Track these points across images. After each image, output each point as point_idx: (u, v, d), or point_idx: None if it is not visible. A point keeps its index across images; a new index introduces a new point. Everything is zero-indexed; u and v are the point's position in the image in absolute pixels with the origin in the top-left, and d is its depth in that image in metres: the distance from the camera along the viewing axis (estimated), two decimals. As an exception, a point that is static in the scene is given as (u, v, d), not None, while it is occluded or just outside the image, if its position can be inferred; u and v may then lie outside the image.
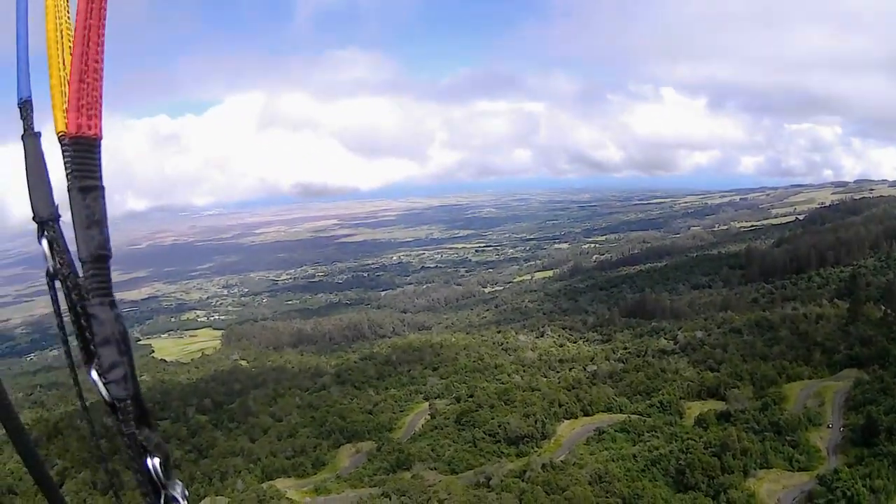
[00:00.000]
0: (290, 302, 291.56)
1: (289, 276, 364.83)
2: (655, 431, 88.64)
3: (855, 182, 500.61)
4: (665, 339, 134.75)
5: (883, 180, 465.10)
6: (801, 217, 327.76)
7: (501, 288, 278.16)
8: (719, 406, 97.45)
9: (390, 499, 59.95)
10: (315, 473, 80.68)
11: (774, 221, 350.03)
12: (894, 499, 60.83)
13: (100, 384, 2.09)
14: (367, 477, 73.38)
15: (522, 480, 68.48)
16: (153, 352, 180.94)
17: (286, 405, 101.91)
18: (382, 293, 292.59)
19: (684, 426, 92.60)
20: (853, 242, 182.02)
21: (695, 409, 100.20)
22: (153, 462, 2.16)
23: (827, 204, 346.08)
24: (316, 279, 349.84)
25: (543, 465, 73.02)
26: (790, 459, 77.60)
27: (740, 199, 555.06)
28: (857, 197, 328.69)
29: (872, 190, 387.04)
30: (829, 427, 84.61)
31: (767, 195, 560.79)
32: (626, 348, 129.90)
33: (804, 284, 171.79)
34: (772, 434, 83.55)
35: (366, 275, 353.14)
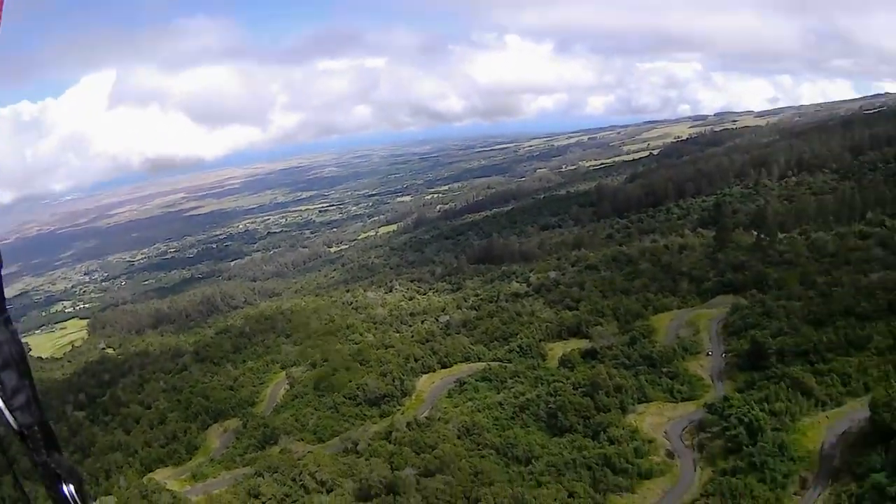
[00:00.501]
0: (147, 282, 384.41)
1: (144, 256, 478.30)
2: (519, 377, 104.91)
3: (715, 115, 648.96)
4: (517, 282, 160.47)
5: (747, 111, 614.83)
6: (655, 152, 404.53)
7: (347, 246, 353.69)
8: (583, 344, 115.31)
9: (262, 477, 77.99)
10: (190, 459, 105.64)
11: (626, 158, 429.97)
12: (800, 420, 75.76)
13: (6, 412, 2.65)
14: (238, 457, 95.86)
15: (390, 442, 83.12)
16: (30, 350, 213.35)
17: (152, 391, 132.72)
18: (232, 263, 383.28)
19: (549, 368, 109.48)
20: (715, 173, 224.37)
21: (557, 349, 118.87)
22: (69, 489, 2.88)
23: (684, 138, 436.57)
24: (169, 256, 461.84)
25: (408, 424, 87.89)
26: (671, 391, 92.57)
27: (588, 139, 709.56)
28: (717, 129, 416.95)
29: (735, 122, 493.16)
30: (708, 355, 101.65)
31: (618, 133, 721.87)
32: (477, 295, 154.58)
33: (662, 217, 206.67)
34: (646, 367, 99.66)
35: (215, 246, 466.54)
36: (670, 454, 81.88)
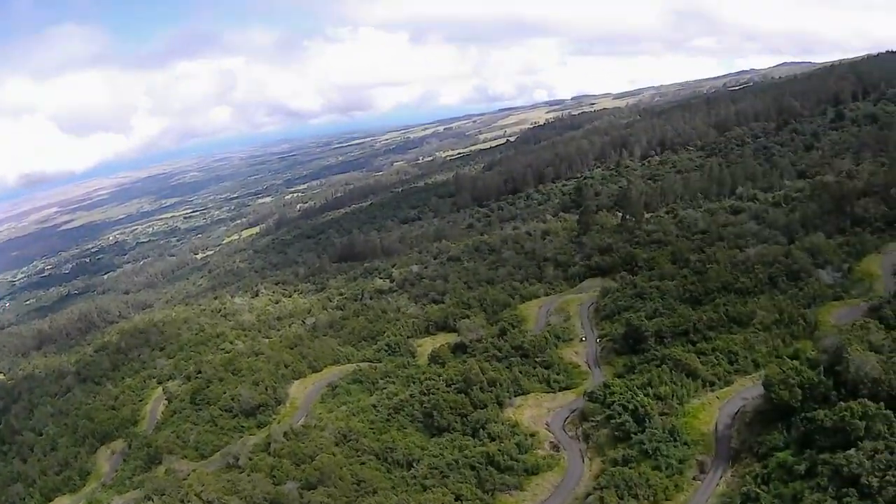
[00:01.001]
0: (28, 302, 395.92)
1: (24, 275, 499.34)
2: (390, 377, 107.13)
3: (573, 99, 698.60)
4: (380, 278, 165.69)
5: (605, 94, 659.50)
6: (512, 139, 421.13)
7: (212, 252, 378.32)
8: (452, 339, 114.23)
9: (152, 501, 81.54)
10: (84, 485, 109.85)
11: (484, 147, 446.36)
12: (689, 403, 74.27)
13: None
14: (127, 480, 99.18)
15: (269, 454, 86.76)
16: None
17: (41, 416, 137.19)
18: (105, 276, 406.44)
19: (419, 366, 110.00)
20: (575, 156, 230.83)
21: (426, 345, 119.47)
22: None
23: (541, 123, 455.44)
24: (46, 273, 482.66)
25: (286, 434, 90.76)
26: (547, 381, 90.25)
27: (444, 129, 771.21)
28: (575, 113, 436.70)
29: (593, 104, 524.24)
30: (582, 340, 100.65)
31: (474, 122, 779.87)
32: (341, 294, 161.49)
33: (523, 203, 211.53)
34: (518, 359, 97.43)
35: (88, 260, 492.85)
36: (555, 447, 79.04)
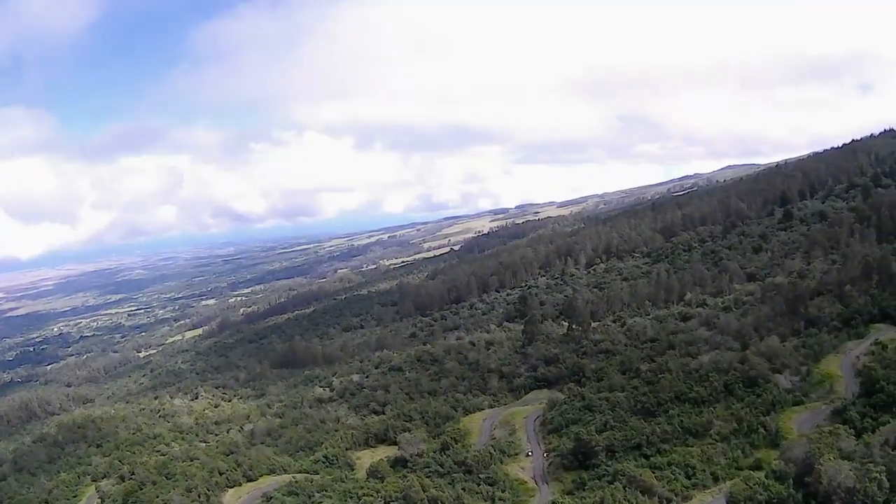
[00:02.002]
0: None
1: None
2: (326, 490, 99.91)
3: (517, 207, 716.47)
4: (320, 386, 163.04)
5: (550, 202, 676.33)
6: (456, 248, 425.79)
7: (155, 351, 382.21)
8: (392, 452, 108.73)
9: None
10: None
11: (427, 255, 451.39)
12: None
13: None
14: None
15: None
16: None
17: None
18: (48, 367, 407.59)
19: (357, 480, 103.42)
20: (519, 265, 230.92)
21: (365, 458, 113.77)
22: None
23: (485, 232, 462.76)
24: None
25: None
26: (492, 499, 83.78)
27: (388, 237, 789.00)
28: (519, 221, 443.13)
29: (538, 213, 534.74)
30: (528, 455, 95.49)
31: (418, 230, 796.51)
32: (281, 401, 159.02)
33: (466, 313, 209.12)
34: (461, 475, 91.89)
35: (32, 349, 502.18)
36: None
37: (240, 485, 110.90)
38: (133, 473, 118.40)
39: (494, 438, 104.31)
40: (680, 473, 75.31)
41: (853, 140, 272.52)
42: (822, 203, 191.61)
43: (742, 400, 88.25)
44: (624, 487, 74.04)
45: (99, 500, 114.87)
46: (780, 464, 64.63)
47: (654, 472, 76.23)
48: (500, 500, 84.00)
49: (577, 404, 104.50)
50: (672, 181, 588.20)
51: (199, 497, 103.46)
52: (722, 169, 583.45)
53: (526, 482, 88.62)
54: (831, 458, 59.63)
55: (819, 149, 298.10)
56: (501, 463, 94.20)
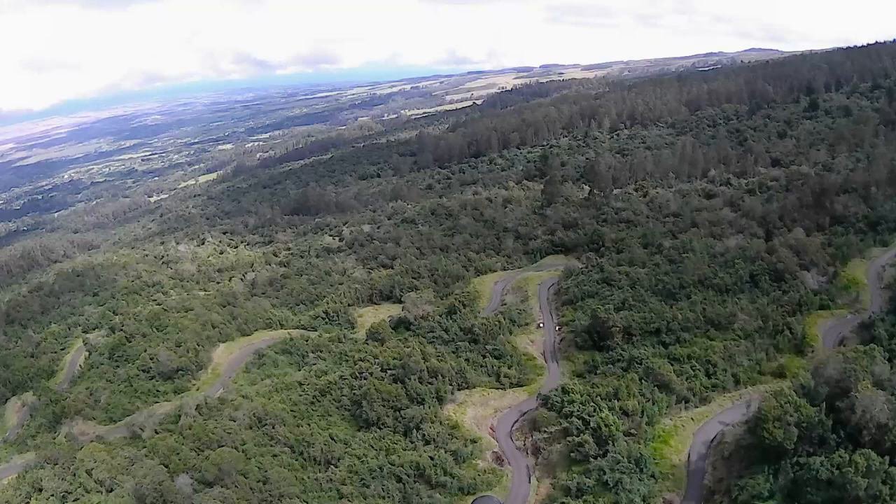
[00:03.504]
0: None
1: None
2: (321, 351, 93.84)
3: (542, 67, 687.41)
4: (330, 235, 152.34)
5: (574, 64, 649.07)
6: (479, 102, 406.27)
7: (167, 196, 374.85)
8: (396, 310, 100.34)
9: (44, 469, 75.14)
10: None
11: (450, 108, 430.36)
12: (659, 422, 61.49)
13: None
14: (29, 438, 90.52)
15: (175, 432, 75.54)
16: None
17: None
18: (56, 214, 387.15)
19: (356, 341, 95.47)
20: (542, 124, 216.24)
21: (367, 316, 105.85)
22: None
23: (509, 88, 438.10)
24: None
25: (198, 407, 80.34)
26: (497, 374, 76.30)
27: (411, 87, 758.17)
28: (543, 80, 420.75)
29: (562, 74, 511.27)
30: (539, 327, 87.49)
31: (441, 83, 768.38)
32: (288, 249, 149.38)
33: (485, 168, 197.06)
34: (467, 344, 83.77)
35: (41, 197, 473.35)
36: (499, 459, 65.63)
37: (233, 339, 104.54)
38: (123, 325, 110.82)
39: (505, 304, 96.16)
40: (700, 370, 67.01)
41: (877, 42, 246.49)
42: (847, 98, 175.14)
43: (768, 294, 78.76)
44: (640, 379, 65.40)
45: (86, 354, 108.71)
46: (809, 378, 54.80)
47: (672, 366, 67.13)
48: (505, 376, 76.08)
49: (594, 276, 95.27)
50: (697, 56, 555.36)
51: (188, 352, 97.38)
52: (746, 50, 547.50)
53: (534, 358, 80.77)
54: (868, 387, 50.34)
55: (843, 45, 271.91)
56: (510, 333, 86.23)
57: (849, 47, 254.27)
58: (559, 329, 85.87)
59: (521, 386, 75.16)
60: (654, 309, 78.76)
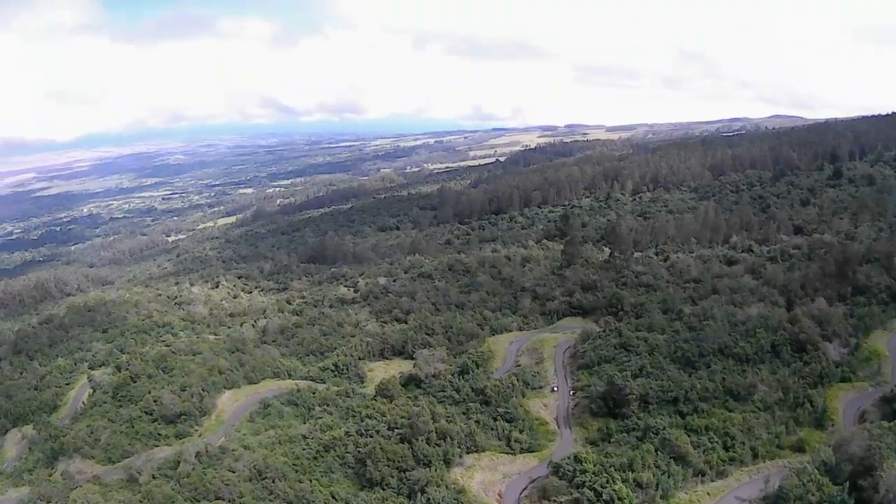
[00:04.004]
0: None
1: None
2: (328, 405, 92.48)
3: (566, 126, 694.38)
4: (345, 286, 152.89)
5: (599, 125, 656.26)
6: (502, 159, 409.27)
7: (185, 236, 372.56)
8: (407, 366, 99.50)
9: None
10: None
11: (473, 163, 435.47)
12: (674, 497, 59.18)
13: None
14: (26, 472, 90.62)
15: (173, 479, 74.33)
16: None
17: None
18: (73, 247, 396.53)
19: (364, 396, 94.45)
20: (564, 183, 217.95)
21: (378, 371, 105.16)
22: None
23: (533, 147, 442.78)
24: (14, 236, 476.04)
25: (198, 454, 78.80)
26: (507, 438, 74.62)
27: (435, 141, 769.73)
28: (567, 140, 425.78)
29: (586, 134, 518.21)
30: (553, 390, 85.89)
31: (465, 138, 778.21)
32: (302, 297, 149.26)
33: (505, 225, 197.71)
34: (478, 405, 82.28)
35: (59, 229, 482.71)
36: (504, 529, 63.47)
37: (239, 386, 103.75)
38: (129, 364, 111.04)
39: (519, 366, 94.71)
40: (717, 443, 64.91)
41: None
42: (871, 167, 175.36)
43: (789, 365, 76.81)
44: (656, 450, 63.55)
45: (90, 391, 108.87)
46: (831, 455, 53.13)
47: (689, 437, 65.42)
48: (516, 441, 74.31)
49: (612, 340, 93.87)
50: (721, 121, 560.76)
51: (192, 397, 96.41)
52: (770, 117, 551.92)
53: (547, 423, 79.14)
54: (893, 465, 49.07)
55: (867, 113, 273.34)
56: (523, 396, 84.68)
57: (874, 116, 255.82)
58: (573, 393, 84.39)
59: (532, 451, 73.23)
60: (672, 377, 77.24)
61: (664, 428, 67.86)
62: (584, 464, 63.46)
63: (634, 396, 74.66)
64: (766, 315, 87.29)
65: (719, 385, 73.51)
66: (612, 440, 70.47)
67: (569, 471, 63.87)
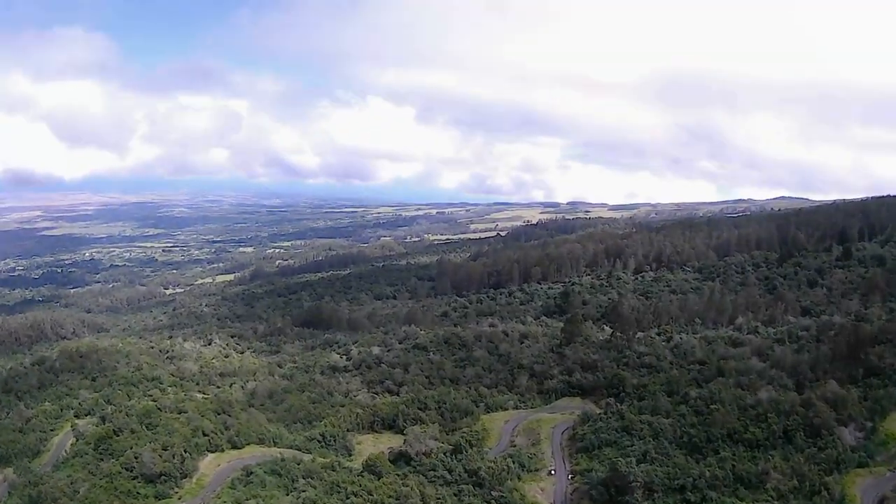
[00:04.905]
0: None
1: None
2: (313, 478, 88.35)
3: (568, 203, 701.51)
4: (337, 353, 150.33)
5: (602, 203, 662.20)
6: (503, 233, 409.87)
7: (182, 290, 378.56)
8: (397, 441, 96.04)
9: None
10: None
11: (473, 236, 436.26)
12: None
13: None
14: None
15: None
16: None
17: None
18: (72, 291, 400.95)
19: (351, 471, 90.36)
20: (565, 259, 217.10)
21: (366, 444, 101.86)
22: None
23: (534, 222, 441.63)
24: (16, 273, 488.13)
25: None
26: (500, 525, 71.38)
27: (437, 212, 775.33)
28: (569, 217, 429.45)
29: (589, 211, 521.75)
30: (551, 474, 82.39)
31: (467, 210, 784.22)
32: (294, 362, 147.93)
33: (504, 300, 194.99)
34: (470, 487, 78.85)
35: (59, 271, 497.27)
36: None
37: (223, 450, 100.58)
38: (113, 417, 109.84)
39: (515, 446, 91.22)
40: (728, 535, 60.75)
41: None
42: (882, 248, 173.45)
43: (802, 451, 73.84)
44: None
45: (73, 440, 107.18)
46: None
47: (698, 528, 61.75)
48: (509, 528, 70.09)
49: (613, 423, 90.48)
50: (726, 202, 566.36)
51: (174, 458, 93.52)
52: (775, 199, 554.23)
53: (543, 510, 74.81)
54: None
55: (876, 194, 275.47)
56: (519, 479, 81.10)
57: (883, 196, 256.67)
58: (572, 478, 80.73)
59: (529, 540, 69.22)
60: (678, 464, 73.90)
61: (671, 520, 64.12)
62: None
63: (638, 484, 71.28)
64: (777, 399, 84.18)
65: (729, 472, 70.29)
66: (614, 533, 66.56)
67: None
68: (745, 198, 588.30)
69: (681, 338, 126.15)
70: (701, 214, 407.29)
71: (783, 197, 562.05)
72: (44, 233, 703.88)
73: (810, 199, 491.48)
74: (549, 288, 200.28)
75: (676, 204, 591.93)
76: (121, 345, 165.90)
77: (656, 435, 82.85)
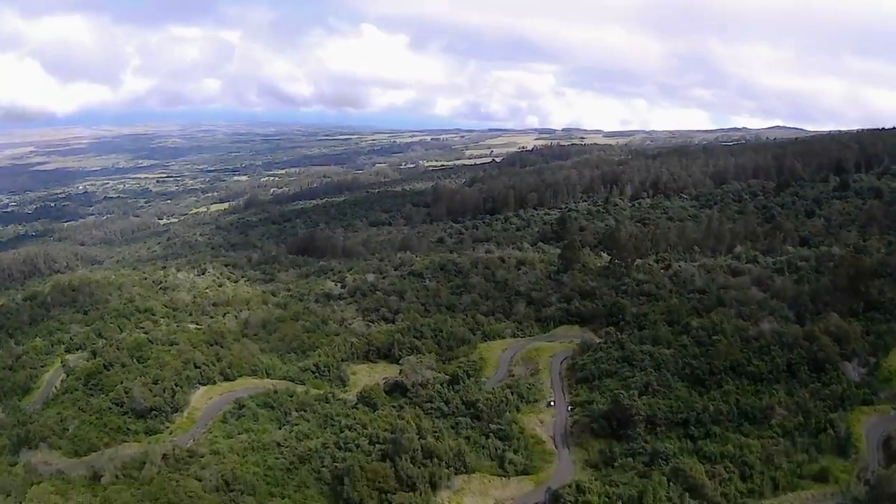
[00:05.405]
0: None
1: None
2: (305, 410, 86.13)
3: (563, 130, 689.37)
4: (332, 280, 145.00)
5: (596, 130, 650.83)
6: (498, 159, 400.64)
7: (177, 220, 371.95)
8: (393, 371, 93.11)
9: None
10: None
11: (468, 163, 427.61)
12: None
13: None
14: None
15: (136, 481, 71.57)
16: None
17: None
18: (66, 224, 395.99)
19: (345, 403, 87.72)
20: (561, 186, 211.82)
21: (361, 374, 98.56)
22: None
23: (529, 148, 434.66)
24: (10, 209, 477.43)
25: (165, 456, 75.54)
26: (500, 459, 68.42)
27: (432, 139, 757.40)
28: (564, 143, 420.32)
29: (583, 138, 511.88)
30: (550, 405, 79.98)
31: (462, 137, 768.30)
32: (288, 290, 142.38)
33: (500, 226, 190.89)
34: (468, 419, 76.30)
35: (53, 205, 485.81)
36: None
37: (214, 383, 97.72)
38: (104, 351, 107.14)
39: (513, 376, 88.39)
40: (734, 472, 58.94)
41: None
42: (878, 180, 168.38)
43: (807, 386, 71.39)
44: (668, 481, 57.13)
45: (63, 376, 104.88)
46: (862, 489, 46.99)
47: (703, 465, 59.20)
48: (510, 462, 67.74)
49: (614, 353, 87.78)
50: (720, 130, 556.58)
51: (164, 392, 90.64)
52: (770, 128, 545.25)
53: (543, 441, 72.83)
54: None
55: (870, 125, 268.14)
56: (518, 411, 78.42)
57: (878, 129, 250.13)
58: (572, 409, 78.09)
59: (528, 474, 66.98)
60: (681, 397, 71.50)
61: (674, 454, 61.63)
62: (587, 494, 57.38)
63: (641, 417, 68.47)
64: (780, 331, 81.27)
65: (733, 407, 67.91)
66: (615, 464, 64.46)
67: (570, 501, 57.43)
68: (741, 126, 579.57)
69: (679, 265, 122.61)
70: (696, 142, 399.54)
71: (779, 126, 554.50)
72: (37, 168, 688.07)
73: (805, 129, 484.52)
74: (545, 214, 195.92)
75: (671, 132, 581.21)
76: (113, 277, 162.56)
77: (658, 366, 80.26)
